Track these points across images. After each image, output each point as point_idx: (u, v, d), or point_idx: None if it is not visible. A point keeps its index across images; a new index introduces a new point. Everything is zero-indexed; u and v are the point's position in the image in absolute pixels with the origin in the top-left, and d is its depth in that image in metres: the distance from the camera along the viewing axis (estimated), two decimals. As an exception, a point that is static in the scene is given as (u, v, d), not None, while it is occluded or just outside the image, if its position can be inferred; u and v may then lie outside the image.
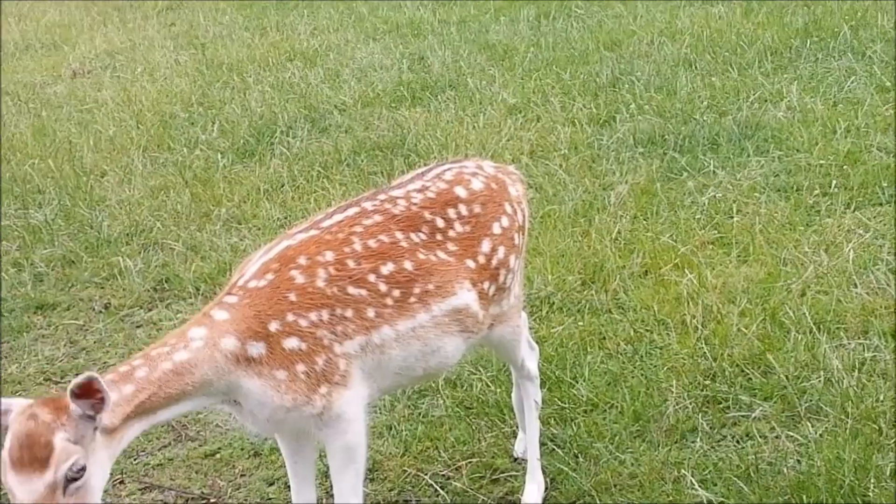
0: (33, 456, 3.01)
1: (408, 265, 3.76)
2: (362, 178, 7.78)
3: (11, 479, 3.02)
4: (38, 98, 11.38)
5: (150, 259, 6.99)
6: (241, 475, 4.82)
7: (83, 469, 3.07)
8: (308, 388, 3.49)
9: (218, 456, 4.97)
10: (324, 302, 3.57)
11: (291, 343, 3.49)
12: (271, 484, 4.71)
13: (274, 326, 3.48)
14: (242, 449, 4.97)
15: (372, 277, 3.68)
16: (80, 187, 8.31)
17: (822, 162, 7.00)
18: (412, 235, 3.83)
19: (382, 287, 3.69)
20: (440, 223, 3.90)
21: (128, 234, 7.43)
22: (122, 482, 4.86)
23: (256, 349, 3.45)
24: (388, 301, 3.69)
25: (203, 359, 3.37)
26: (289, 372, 3.47)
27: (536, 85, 9.29)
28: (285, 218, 7.27)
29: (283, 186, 7.92)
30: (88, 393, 3.08)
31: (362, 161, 8.16)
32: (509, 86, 9.37)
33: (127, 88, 11.07)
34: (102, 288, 6.83)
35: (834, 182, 6.71)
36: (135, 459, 5.02)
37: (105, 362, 5.91)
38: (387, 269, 3.72)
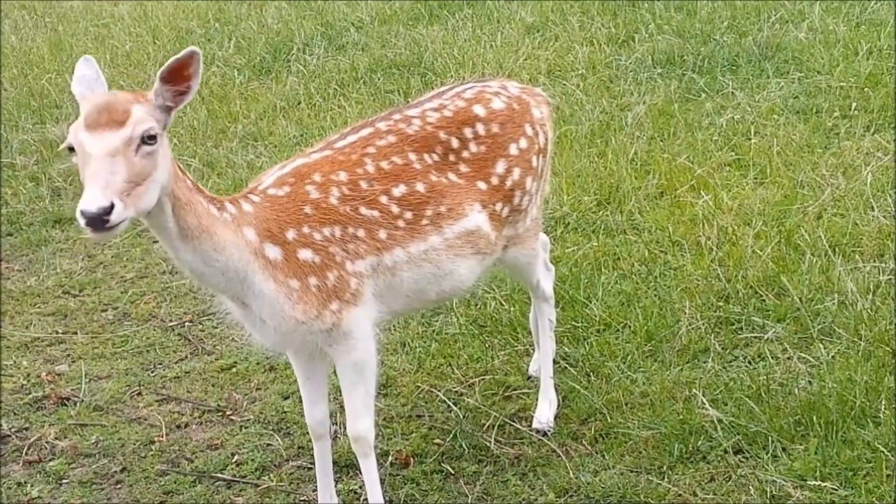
0: (111, 118, 3.08)
1: (420, 187, 3.76)
2: (379, 97, 7.75)
3: (84, 136, 3.08)
4: (55, 12, 11.33)
5: (167, 175, 7.00)
6: (257, 389, 4.88)
7: (156, 137, 3.14)
8: (319, 303, 3.52)
9: (234, 370, 5.03)
10: (336, 218, 3.58)
11: (305, 255, 3.51)
12: (286, 398, 4.77)
13: (291, 235, 3.50)
14: (258, 363, 5.03)
15: (384, 199, 3.68)
16: (96, 102, 8.28)
17: (842, 84, 6.94)
18: (426, 156, 3.82)
19: (394, 209, 3.70)
20: (455, 143, 3.88)
21: (144, 150, 7.42)
22: (139, 394, 4.92)
23: (273, 252, 3.47)
24: (400, 223, 3.70)
25: (229, 230, 3.39)
26: (301, 283, 3.49)
27: (555, 3, 9.18)
28: (301, 135, 7.26)
29: (299, 104, 7.90)
30: (177, 77, 3.19)
31: (379, 79, 8.12)
32: (527, 4, 9.27)
33: (143, 4, 11.01)
34: (119, 203, 6.84)
35: (854, 104, 6.65)
36: (152, 372, 5.08)
37: (123, 277, 5.97)
38: (399, 190, 3.71)
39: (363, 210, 3.64)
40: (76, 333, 5.46)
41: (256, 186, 3.65)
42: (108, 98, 3.16)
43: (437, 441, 4.38)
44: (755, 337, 4.69)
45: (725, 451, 4.07)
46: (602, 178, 6.15)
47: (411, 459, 4.28)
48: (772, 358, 4.55)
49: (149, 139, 3.11)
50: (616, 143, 6.55)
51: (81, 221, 2.99)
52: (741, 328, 4.78)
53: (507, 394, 4.62)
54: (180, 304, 5.64)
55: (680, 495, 3.92)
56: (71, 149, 3.13)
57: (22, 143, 7.76)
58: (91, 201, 2.98)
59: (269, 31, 9.50)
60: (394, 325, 5.04)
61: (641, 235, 5.59)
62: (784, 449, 4.03)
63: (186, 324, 5.45)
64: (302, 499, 4.17)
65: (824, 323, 4.68)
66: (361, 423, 3.74)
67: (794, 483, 3.85)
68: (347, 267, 3.58)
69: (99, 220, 2.98)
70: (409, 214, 3.72)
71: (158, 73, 3.19)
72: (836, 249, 5.16)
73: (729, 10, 8.47)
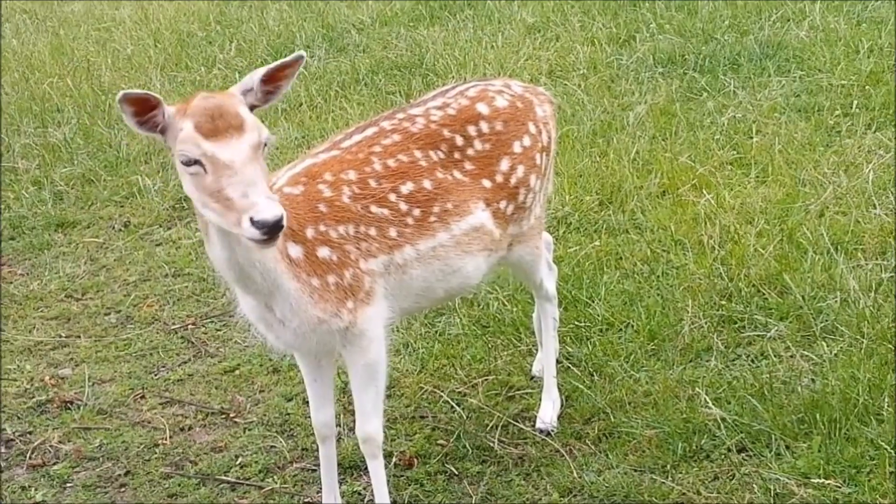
0: (229, 124, 3.10)
1: (427, 184, 3.77)
2: (380, 98, 7.75)
3: (211, 145, 3.08)
4: (56, 16, 11.34)
5: (169, 178, 7.01)
6: (260, 391, 4.88)
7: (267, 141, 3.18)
8: (337, 301, 3.52)
9: (237, 372, 5.03)
10: (350, 217, 3.59)
11: (324, 252, 3.51)
12: (290, 399, 4.77)
13: (310, 232, 3.51)
14: (261, 365, 5.03)
15: (392, 197, 3.69)
16: (98, 106, 8.31)
17: (843, 82, 6.94)
18: (431, 154, 3.83)
19: (403, 206, 3.70)
20: (459, 141, 3.89)
21: (146, 153, 7.45)
22: (143, 397, 4.92)
23: (295, 251, 3.47)
24: (409, 220, 3.71)
25: None
26: (322, 281, 3.50)
27: (556, 4, 9.19)
28: (303, 137, 7.26)
29: (300, 106, 7.90)
30: (273, 79, 3.25)
31: (380, 80, 8.13)
32: (528, 4, 9.27)
33: (144, 7, 11.01)
34: (122, 206, 6.87)
35: (855, 102, 6.65)
36: (155, 375, 5.09)
37: (125, 280, 5.97)
38: (406, 188, 3.73)
39: (373, 208, 3.65)
40: (79, 337, 5.46)
41: (271, 186, 3.64)
42: (215, 102, 3.15)
43: (440, 442, 4.39)
44: (758, 335, 4.69)
45: (729, 450, 4.07)
46: (604, 178, 6.15)
47: (415, 460, 4.29)
48: (774, 356, 4.54)
49: (268, 140, 3.17)
50: (618, 143, 6.55)
51: (256, 233, 3.00)
52: (744, 327, 4.78)
53: (510, 394, 4.62)
54: (183, 307, 5.64)
55: (684, 494, 3.91)
56: (186, 162, 3.11)
57: (24, 147, 7.76)
58: (270, 209, 2.99)
59: (270, 32, 9.51)
60: (397, 327, 5.02)
61: (643, 235, 5.59)
62: (787, 447, 4.02)
63: (189, 326, 5.45)
64: (306, 500, 4.17)
65: (827, 321, 4.68)
66: (371, 424, 3.75)
67: (798, 481, 3.85)
68: (361, 265, 3.59)
69: (278, 228, 3.00)
70: (417, 212, 3.73)
71: (261, 73, 3.23)
72: (839, 247, 5.16)
73: (730, 9, 8.47)
